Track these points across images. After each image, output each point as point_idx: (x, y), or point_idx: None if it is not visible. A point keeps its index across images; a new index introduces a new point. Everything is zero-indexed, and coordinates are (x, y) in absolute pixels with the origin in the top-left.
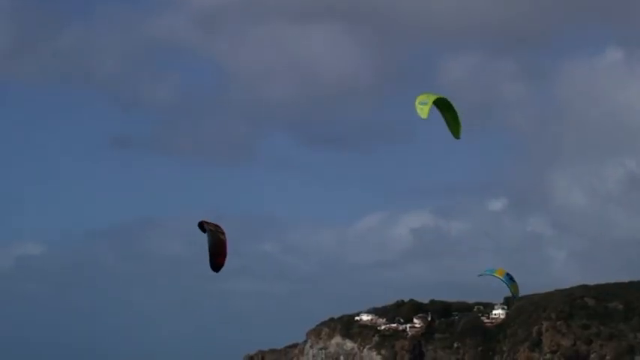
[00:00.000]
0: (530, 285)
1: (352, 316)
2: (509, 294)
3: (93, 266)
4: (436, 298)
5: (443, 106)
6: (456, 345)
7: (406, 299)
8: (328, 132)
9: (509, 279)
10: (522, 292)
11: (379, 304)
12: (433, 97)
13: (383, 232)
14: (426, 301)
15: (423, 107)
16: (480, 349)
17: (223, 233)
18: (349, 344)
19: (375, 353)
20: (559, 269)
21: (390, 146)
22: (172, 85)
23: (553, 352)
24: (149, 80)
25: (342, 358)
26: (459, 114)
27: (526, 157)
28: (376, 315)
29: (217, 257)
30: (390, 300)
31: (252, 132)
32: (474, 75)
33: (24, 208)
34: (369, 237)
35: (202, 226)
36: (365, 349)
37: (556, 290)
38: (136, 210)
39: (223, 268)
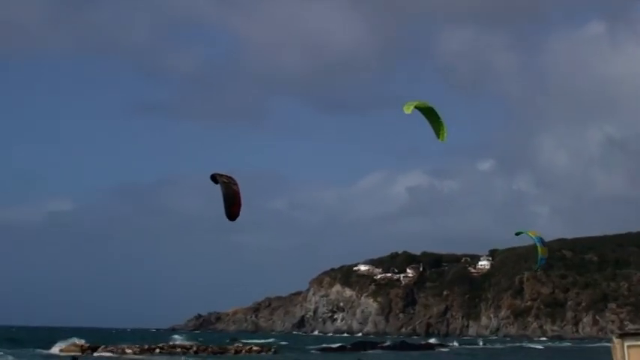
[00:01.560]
0: (515, 238)
1: (351, 267)
2: (493, 247)
3: (118, 221)
4: (428, 250)
5: (428, 112)
6: (445, 293)
7: (400, 251)
8: (333, 99)
9: (541, 242)
10: (507, 245)
11: (376, 256)
12: (417, 103)
13: (381, 190)
14: (418, 253)
15: (409, 106)
16: (467, 296)
17: (236, 184)
18: (348, 292)
19: (371, 300)
20: (542, 224)
21: (389, 113)
22: (192, 55)
23: (533, 300)
24: (171, 50)
25: (341, 304)
26: (443, 121)
27: (514, 123)
28: (373, 265)
29: (232, 207)
30: (385, 252)
31: (264, 99)
32: (467, 46)
33: (55, 167)
34: (368, 195)
35: (215, 178)
36: (362, 297)
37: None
38: (158, 170)
39: (237, 221)
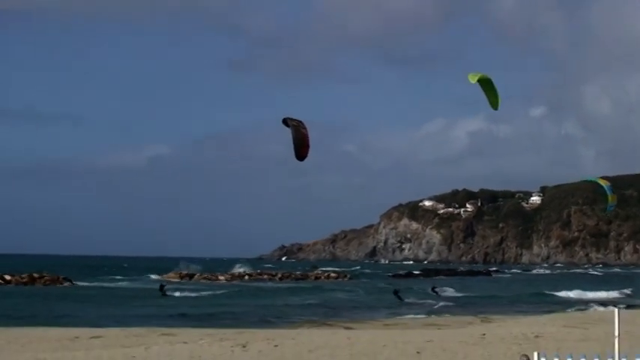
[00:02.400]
0: (563, 176)
1: (417, 203)
2: (543, 184)
3: (208, 163)
4: (485, 188)
5: (486, 83)
6: (501, 225)
7: (460, 188)
8: (400, 54)
9: (611, 190)
10: (556, 182)
11: (439, 193)
12: (480, 75)
13: (444, 134)
14: (476, 190)
15: (474, 76)
16: (520, 228)
17: (305, 128)
18: (414, 225)
19: (435, 232)
20: (587, 164)
21: (450, 65)
22: (269, 15)
23: (580, 231)
24: (250, 11)
25: (408, 235)
26: (497, 92)
27: (562, 73)
28: (436, 201)
29: (301, 148)
30: (447, 189)
31: (335, 54)
32: (519, 4)
33: (155, 116)
34: (432, 139)
35: (286, 122)
36: (427, 229)
37: (583, 180)
38: (241, 119)
39: (316, 162)
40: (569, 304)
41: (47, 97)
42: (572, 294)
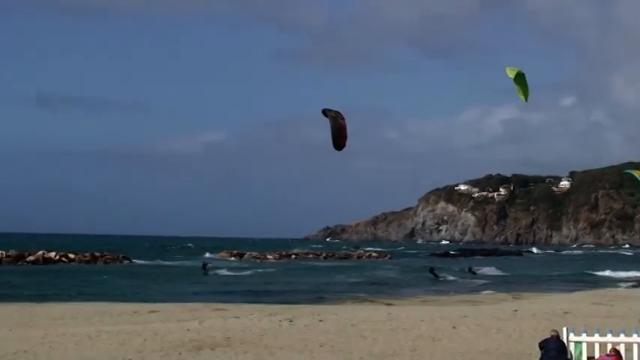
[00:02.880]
0: (591, 162)
1: (453, 187)
2: (573, 169)
3: (260, 149)
4: (517, 173)
5: (520, 77)
6: (532, 208)
7: (494, 173)
8: (439, 45)
9: None
10: (585, 167)
11: (473, 177)
12: (517, 70)
13: (479, 122)
14: (509, 174)
15: (512, 71)
16: (550, 211)
17: (343, 118)
18: (451, 207)
19: (470, 214)
20: (614, 150)
21: (485, 56)
22: (319, 10)
23: (607, 213)
24: (301, 4)
25: (445, 218)
26: (527, 85)
27: (591, 64)
28: (471, 185)
29: (339, 139)
30: (481, 174)
31: (380, 45)
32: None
33: (210, 104)
34: (468, 126)
35: (325, 113)
36: (463, 211)
37: (610, 166)
38: (290, 106)
39: (359, 148)
40: (606, 282)
41: (117, 87)
42: (610, 273)
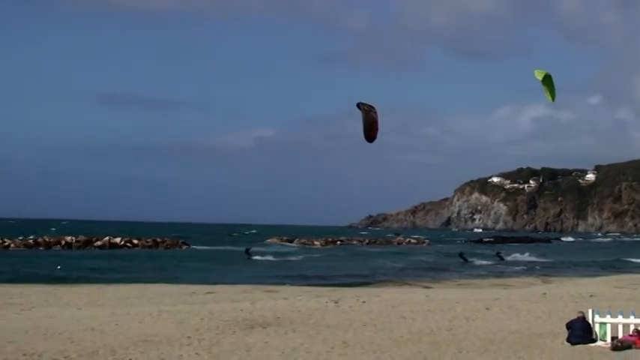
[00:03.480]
0: (615, 156)
1: (486, 179)
2: (598, 163)
3: (306, 144)
4: (546, 166)
5: (547, 79)
6: (559, 199)
7: (524, 167)
8: (474, 47)
9: None
10: (609, 161)
11: (505, 170)
12: (545, 72)
13: (511, 119)
14: (538, 168)
15: (540, 74)
16: (576, 201)
17: (376, 112)
18: (484, 198)
19: (502, 204)
20: (637, 145)
21: (517, 58)
22: (363, 15)
23: (630, 204)
24: (345, 9)
25: (479, 207)
26: (555, 87)
27: (617, 65)
28: (503, 177)
29: (370, 132)
30: (513, 167)
31: (419, 47)
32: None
33: (260, 103)
34: (501, 123)
35: (359, 106)
36: (495, 202)
37: (633, 160)
38: (334, 104)
39: (399, 143)
40: (632, 268)
41: (179, 88)
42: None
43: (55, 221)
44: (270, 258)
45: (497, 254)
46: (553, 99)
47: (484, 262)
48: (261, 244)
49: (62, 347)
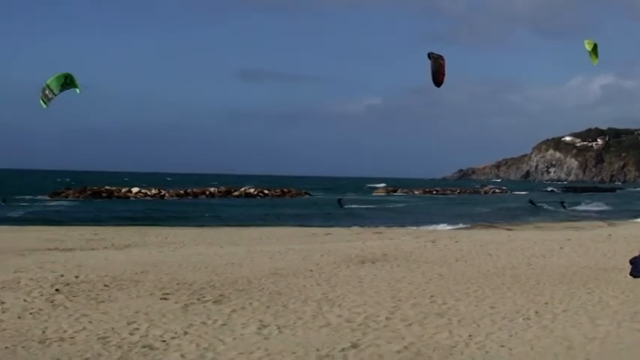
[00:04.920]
0: None
1: (560, 138)
2: None
3: (408, 109)
4: (612, 127)
5: (594, 47)
6: (623, 154)
7: (593, 127)
8: (551, 27)
9: None
10: None
11: (576, 130)
12: (594, 44)
13: (582, 87)
14: (605, 128)
15: (590, 43)
16: (638, 157)
17: (443, 59)
18: (558, 154)
19: (573, 160)
20: None
21: (590, 35)
22: None
23: None
24: None
25: (553, 162)
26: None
27: None
28: (574, 137)
29: (438, 75)
30: (583, 128)
31: (505, 27)
32: None
33: (370, 76)
34: (573, 90)
35: (429, 56)
36: (567, 157)
37: None
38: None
39: (487, 108)
40: None
41: (300, 63)
42: None
43: (203, 175)
44: (371, 206)
45: (561, 203)
46: (595, 63)
47: (551, 208)
48: (368, 194)
49: (208, 278)
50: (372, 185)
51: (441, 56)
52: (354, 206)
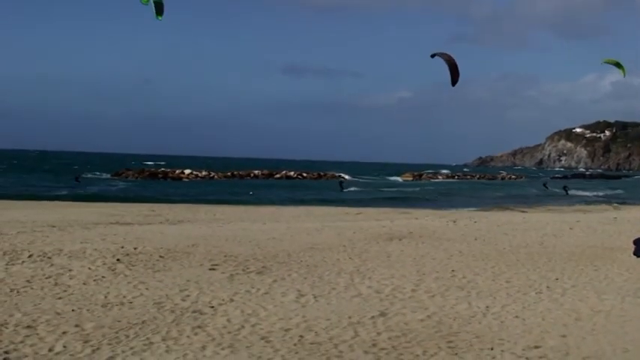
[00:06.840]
0: None
1: (570, 129)
2: None
3: (435, 102)
4: (619, 120)
5: (617, 64)
6: (629, 145)
7: (601, 120)
8: (572, 29)
9: None
10: None
11: (586, 122)
12: (614, 61)
13: (594, 84)
14: (612, 120)
15: (610, 60)
16: None
17: (451, 57)
18: (569, 144)
19: (583, 149)
20: None
21: (607, 37)
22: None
23: None
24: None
25: (564, 151)
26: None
27: None
28: (584, 128)
29: (455, 75)
30: (592, 120)
31: (527, 29)
32: None
33: (401, 71)
34: (586, 86)
35: (434, 55)
36: (577, 147)
37: None
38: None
39: (508, 103)
40: None
41: (335, 58)
42: None
43: (250, 159)
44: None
45: (564, 188)
46: (624, 75)
47: (562, 192)
48: (393, 179)
49: (252, 251)
50: (396, 172)
51: (450, 57)
52: (385, 190)
